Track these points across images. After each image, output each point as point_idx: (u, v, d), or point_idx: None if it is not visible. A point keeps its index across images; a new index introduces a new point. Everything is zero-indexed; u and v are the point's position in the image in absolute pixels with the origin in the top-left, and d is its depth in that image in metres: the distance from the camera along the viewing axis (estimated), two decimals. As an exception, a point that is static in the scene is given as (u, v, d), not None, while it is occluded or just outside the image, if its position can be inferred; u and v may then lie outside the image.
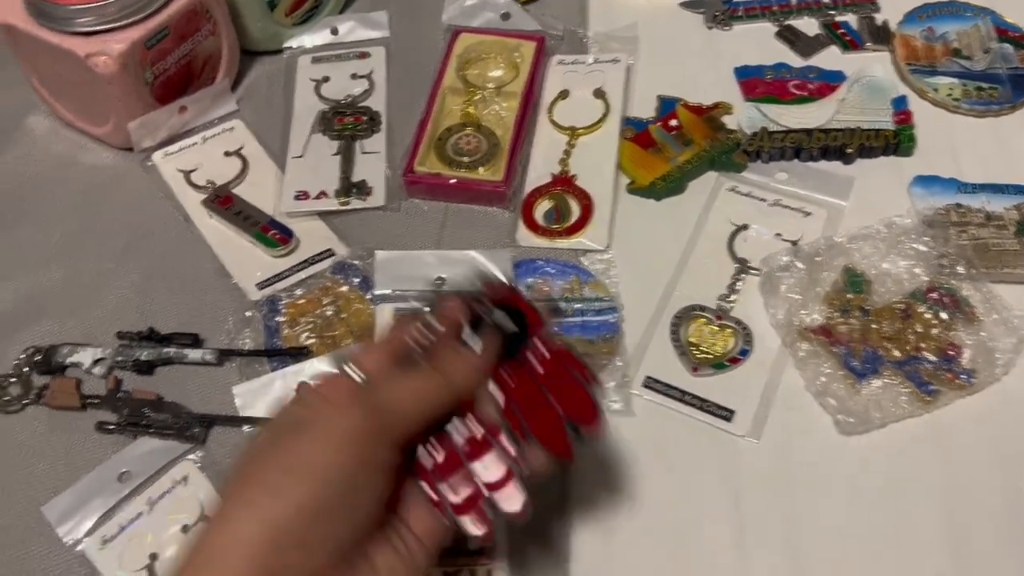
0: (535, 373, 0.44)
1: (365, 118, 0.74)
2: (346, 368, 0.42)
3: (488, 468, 0.43)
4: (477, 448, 0.43)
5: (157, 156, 0.73)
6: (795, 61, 0.77)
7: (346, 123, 0.73)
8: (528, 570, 0.52)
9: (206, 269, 0.66)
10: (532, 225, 0.67)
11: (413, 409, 0.41)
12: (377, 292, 0.62)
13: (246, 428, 0.58)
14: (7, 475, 0.57)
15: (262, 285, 0.64)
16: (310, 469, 0.38)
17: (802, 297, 0.61)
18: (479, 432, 0.43)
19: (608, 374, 0.59)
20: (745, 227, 0.66)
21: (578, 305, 0.62)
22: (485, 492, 0.43)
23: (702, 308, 0.62)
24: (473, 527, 0.42)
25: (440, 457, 0.43)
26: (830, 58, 0.77)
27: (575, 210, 0.67)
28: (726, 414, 0.58)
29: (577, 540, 0.54)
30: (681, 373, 0.60)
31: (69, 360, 0.61)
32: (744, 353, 0.60)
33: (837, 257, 0.63)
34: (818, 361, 0.59)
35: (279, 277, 0.65)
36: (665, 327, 0.62)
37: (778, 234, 0.66)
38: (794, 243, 0.65)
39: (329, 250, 0.66)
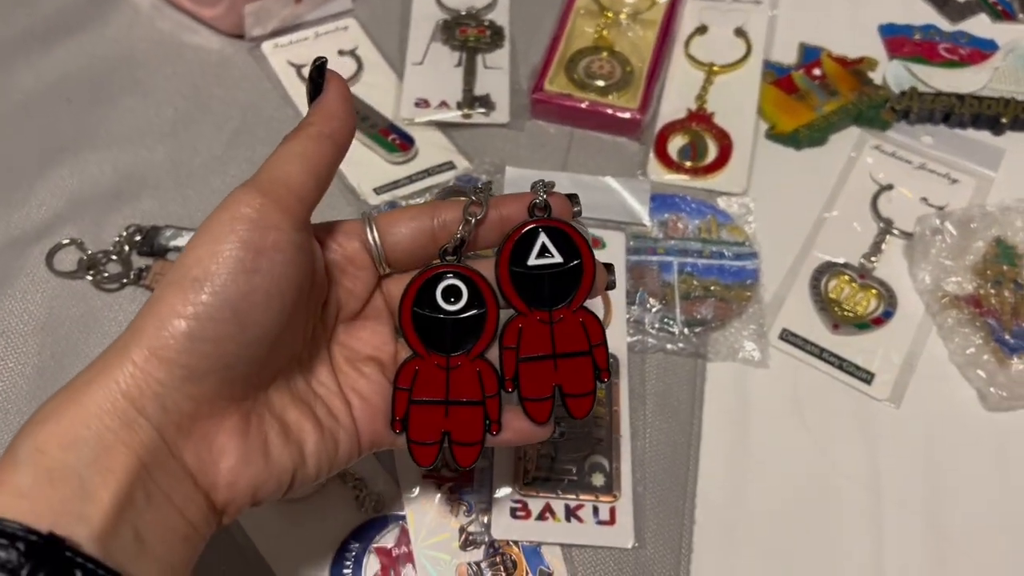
0: (556, 328, 0.39)
1: (489, 31, 0.69)
2: (364, 224, 0.40)
3: (462, 412, 0.39)
4: (463, 387, 0.39)
5: (267, 46, 0.68)
6: (942, 25, 0.73)
7: (469, 35, 0.69)
8: (652, 511, 0.49)
9: (318, 167, 0.62)
10: (665, 160, 0.63)
11: (305, 180, 0.36)
12: None
13: None
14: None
15: (380, 190, 0.60)
16: (205, 277, 0.32)
17: (952, 263, 0.58)
18: (477, 373, 0.40)
19: (744, 322, 0.56)
20: (890, 187, 0.62)
21: (715, 247, 0.58)
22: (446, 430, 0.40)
23: (844, 265, 0.59)
24: (418, 441, 0.40)
25: (422, 374, 0.39)
26: (979, 26, 0.73)
27: (712, 149, 0.63)
28: (866, 376, 0.55)
29: (703, 487, 0.51)
30: (820, 329, 0.56)
31: (172, 244, 0.57)
32: (887, 315, 0.57)
33: (990, 227, 0.59)
34: (967, 331, 0.56)
35: (397, 184, 0.61)
36: (804, 281, 0.58)
37: (924, 198, 0.62)
38: (940, 209, 0.61)
39: (449, 162, 0.62)
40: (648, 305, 0.55)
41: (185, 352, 0.32)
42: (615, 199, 0.59)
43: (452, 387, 0.39)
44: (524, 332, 0.39)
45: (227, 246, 0.33)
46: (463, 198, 0.40)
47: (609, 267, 0.41)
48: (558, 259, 0.39)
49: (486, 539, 0.48)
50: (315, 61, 0.39)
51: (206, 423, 0.34)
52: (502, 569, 0.47)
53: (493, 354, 0.40)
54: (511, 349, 0.39)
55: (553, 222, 0.39)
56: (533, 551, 0.48)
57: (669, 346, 0.54)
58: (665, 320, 0.55)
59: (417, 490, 0.49)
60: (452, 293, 0.39)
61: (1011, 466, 0.52)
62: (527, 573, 0.47)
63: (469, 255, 0.40)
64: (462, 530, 0.48)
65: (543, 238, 0.39)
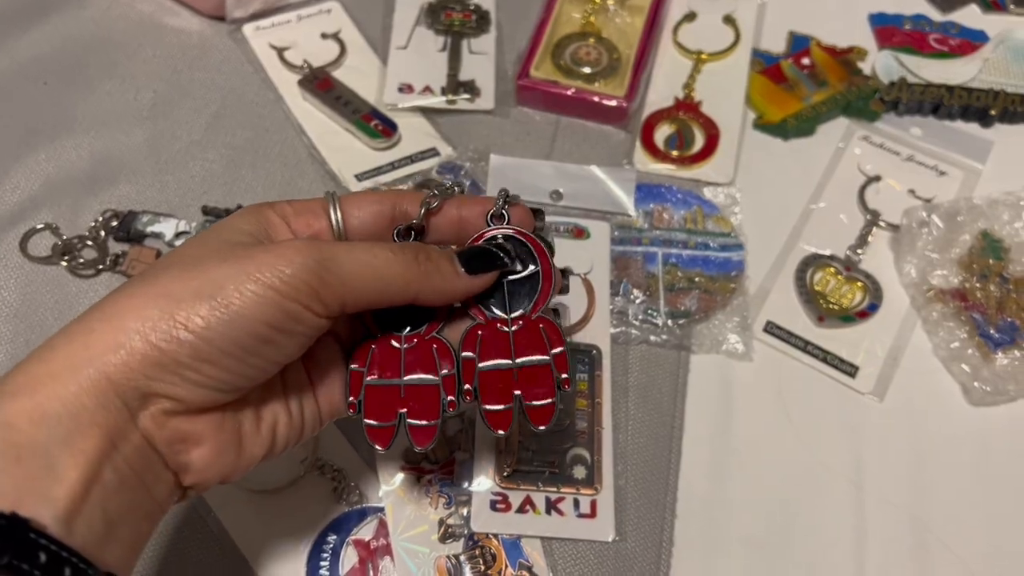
0: (516, 335, 0.39)
1: (474, 16, 0.68)
2: (329, 204, 0.38)
3: (418, 391, 0.38)
4: (418, 358, 0.38)
5: (248, 29, 0.67)
6: (932, 15, 0.72)
7: (454, 19, 0.68)
8: (633, 504, 0.49)
9: (299, 153, 0.61)
10: (651, 149, 0.62)
11: (363, 286, 0.35)
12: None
13: None
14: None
15: (362, 177, 0.59)
16: (223, 302, 0.32)
17: (938, 256, 0.57)
18: (433, 350, 0.39)
19: (728, 314, 0.55)
20: (877, 179, 0.62)
21: (700, 238, 0.57)
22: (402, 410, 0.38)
23: (830, 257, 0.58)
24: (374, 422, 0.38)
25: (378, 353, 0.39)
26: (969, 16, 0.72)
27: (699, 138, 0.63)
28: (850, 369, 0.54)
29: (685, 480, 0.50)
30: (805, 322, 0.56)
31: (149, 229, 0.56)
32: (873, 308, 0.56)
33: (977, 220, 0.59)
34: (951, 325, 0.55)
35: (379, 171, 0.60)
36: (790, 273, 0.58)
37: (911, 190, 0.62)
38: (927, 201, 0.61)
39: (433, 149, 0.61)
40: (632, 296, 0.55)
41: (184, 364, 0.31)
42: (600, 188, 0.59)
43: (407, 366, 0.38)
44: (483, 340, 0.38)
45: (254, 292, 0.32)
46: (426, 190, 0.40)
47: (565, 272, 0.41)
48: (516, 267, 0.39)
49: (465, 532, 0.47)
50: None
51: (182, 419, 0.33)
52: (481, 562, 0.46)
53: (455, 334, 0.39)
54: (470, 358, 0.38)
55: (512, 230, 0.39)
56: (513, 544, 0.47)
57: (652, 338, 0.54)
58: (649, 312, 0.54)
59: (396, 482, 0.49)
60: None
61: (993, 461, 0.51)
62: (506, 566, 0.47)
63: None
64: (441, 523, 0.48)
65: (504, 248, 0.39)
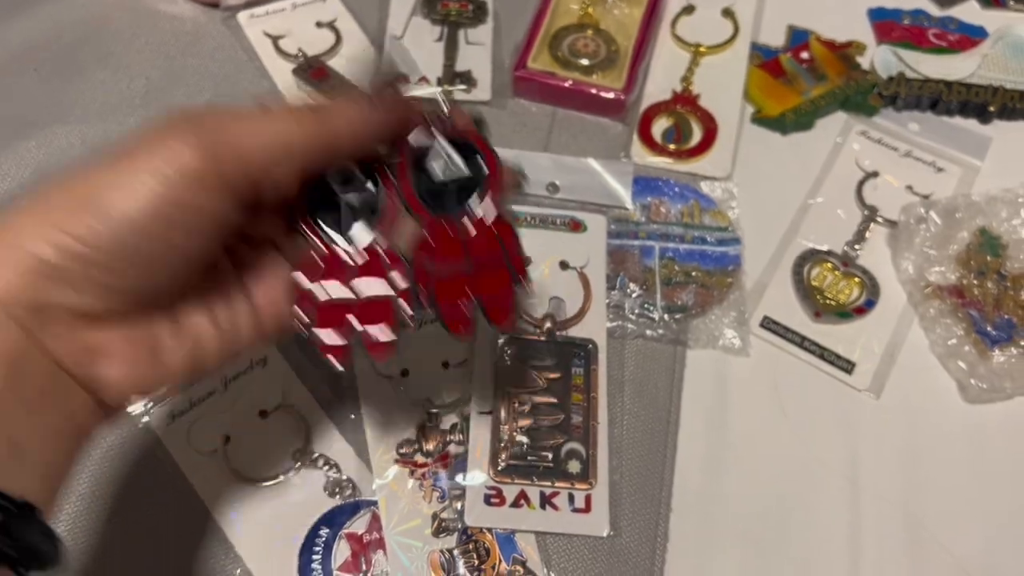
0: (468, 239, 0.37)
1: (471, 6, 0.68)
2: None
3: (371, 292, 0.36)
4: (370, 268, 0.37)
5: (243, 16, 0.67)
6: (931, 10, 0.72)
7: (450, 8, 0.67)
8: (628, 499, 0.49)
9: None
10: (649, 142, 0.62)
11: (263, 155, 0.32)
12: None
13: None
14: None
15: (357, 167, 0.59)
16: (106, 205, 0.30)
17: (936, 253, 0.57)
18: (382, 247, 0.37)
19: (725, 309, 0.55)
20: (875, 174, 0.62)
21: (697, 232, 0.57)
22: (357, 326, 0.36)
23: (828, 253, 0.58)
24: (327, 337, 0.36)
25: (322, 253, 0.37)
26: (969, 12, 0.72)
27: (697, 132, 0.62)
28: (847, 366, 0.54)
29: (680, 475, 0.50)
30: (802, 317, 0.56)
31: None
32: (870, 304, 0.56)
33: (975, 216, 0.58)
34: (948, 322, 0.55)
35: (374, 161, 0.59)
36: (787, 268, 0.57)
37: (909, 186, 0.61)
38: (925, 197, 0.61)
39: (429, 140, 0.61)
40: (628, 290, 0.54)
41: (77, 273, 0.30)
42: (597, 181, 0.58)
43: (359, 278, 0.37)
44: (437, 245, 0.37)
45: (146, 185, 0.30)
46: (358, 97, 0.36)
47: (521, 172, 0.40)
48: (464, 170, 0.38)
49: (459, 526, 0.47)
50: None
51: (85, 331, 0.31)
52: (475, 556, 0.46)
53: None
54: (424, 263, 0.37)
55: (455, 133, 0.38)
56: (507, 539, 0.47)
57: (649, 332, 0.54)
58: (645, 306, 0.54)
59: (390, 475, 0.48)
60: (349, 180, 0.37)
61: (989, 458, 0.51)
62: (500, 561, 0.46)
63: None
64: (435, 517, 0.47)
65: (447, 149, 0.38)
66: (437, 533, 0.47)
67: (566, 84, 0.62)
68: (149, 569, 0.45)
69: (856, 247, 0.58)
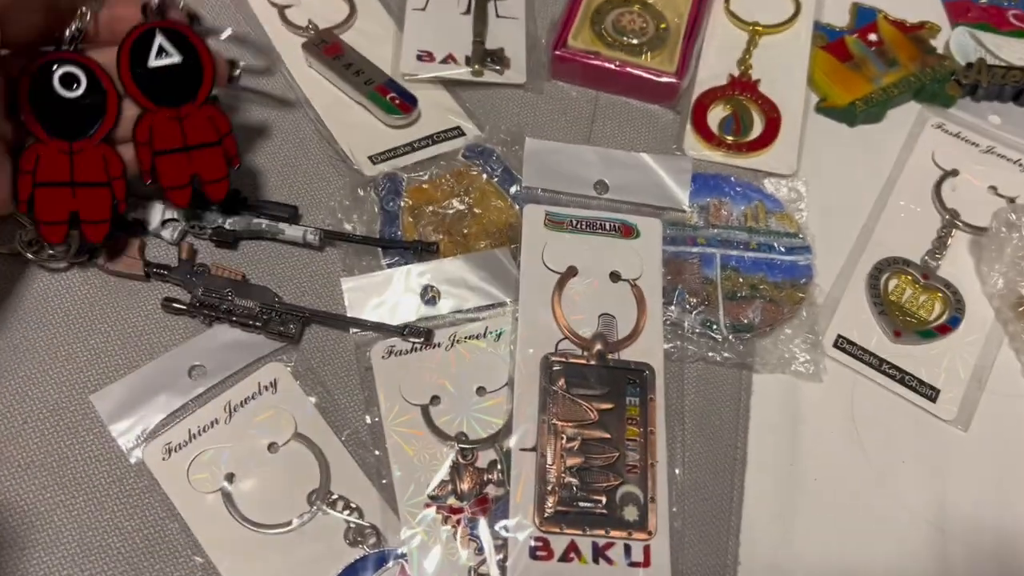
0: (185, 123, 0.43)
1: (502, -26, 0.60)
2: None
3: (89, 193, 0.42)
4: (88, 169, 0.42)
5: (246, -17, 0.59)
6: (1009, -12, 0.65)
7: (479, -23, 0.60)
8: (691, 550, 0.43)
9: (304, 129, 0.53)
10: (704, 133, 0.55)
11: None
12: (525, 185, 0.51)
13: (353, 331, 0.46)
14: (47, 350, 0.45)
15: (377, 159, 0.52)
16: None
17: (1029, 266, 0.51)
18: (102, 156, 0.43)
19: (796, 328, 0.48)
20: (954, 173, 0.55)
21: (763, 239, 0.51)
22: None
23: (906, 263, 0.52)
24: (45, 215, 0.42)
25: (46, 157, 0.42)
26: (1049, -10, 0.65)
27: (758, 122, 0.56)
28: (930, 393, 0.48)
29: (749, 521, 0.44)
30: (879, 336, 0.50)
31: (132, 216, 0.48)
32: (954, 322, 0.50)
33: (1071, 224, 0.52)
34: (1043, 345, 0.49)
35: (396, 153, 0.52)
36: (860, 280, 0.51)
37: (992, 187, 0.55)
38: (1011, 200, 0.54)
39: (457, 128, 0.54)
40: (687, 305, 0.48)
41: None
42: (651, 180, 0.51)
43: (77, 170, 0.42)
44: (155, 128, 0.43)
45: None
46: None
47: (233, 62, 0.45)
48: (177, 59, 0.43)
49: (500, 583, 0.41)
50: None
51: None
52: (519, 619, 0.40)
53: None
54: (144, 144, 0.43)
55: (169, 23, 0.42)
56: (555, 598, 0.41)
57: (711, 354, 0.47)
58: (707, 323, 0.48)
59: (420, 522, 0.42)
60: (71, 80, 0.42)
61: (1092, 501, 0.46)
62: (548, 623, 0.40)
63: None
64: (471, 572, 0.41)
65: (160, 39, 0.42)
66: (476, 590, 0.41)
67: (612, 65, 0.55)
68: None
69: (937, 255, 0.52)
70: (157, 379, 0.44)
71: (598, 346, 0.45)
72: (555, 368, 0.45)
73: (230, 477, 0.42)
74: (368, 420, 0.44)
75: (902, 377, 0.48)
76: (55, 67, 0.41)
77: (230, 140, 0.44)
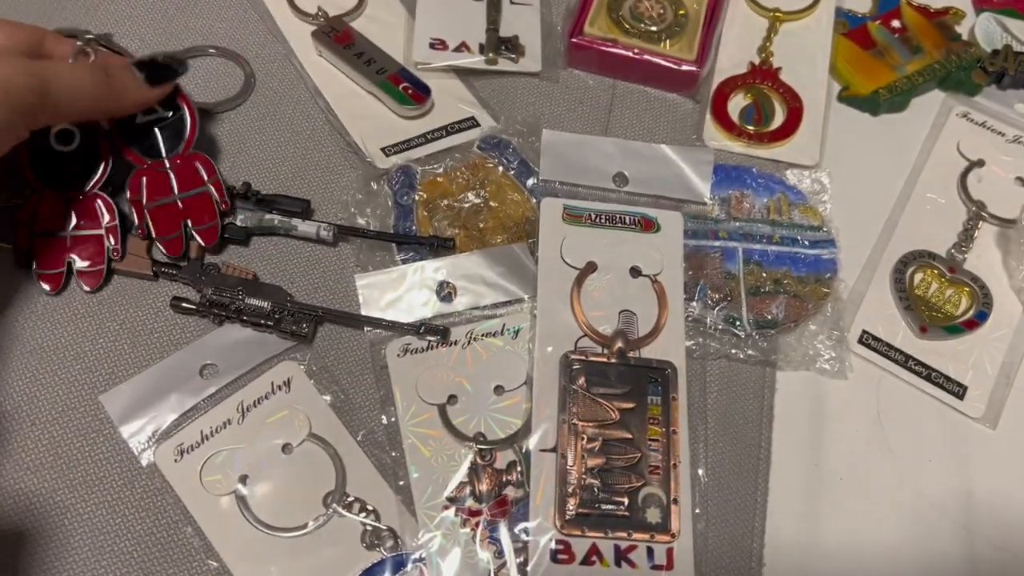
0: (175, 171, 0.46)
1: (515, -41, 0.59)
2: None
3: (84, 240, 0.45)
4: (83, 218, 0.45)
5: (254, -28, 0.57)
6: (1034, -29, 0.63)
7: (492, -38, 0.58)
8: (715, 552, 0.42)
9: (316, 121, 0.52)
10: (725, 123, 0.54)
11: (74, 107, 0.41)
12: (542, 178, 0.49)
13: (367, 330, 0.45)
14: (54, 350, 0.44)
15: (390, 151, 0.51)
16: None
17: (1059, 259, 0.49)
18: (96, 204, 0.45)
19: (820, 324, 0.47)
20: (980, 163, 0.54)
21: (786, 232, 0.49)
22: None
23: (932, 256, 0.50)
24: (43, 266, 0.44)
25: (43, 209, 0.44)
26: (1076, -27, 0.63)
27: (780, 112, 0.54)
28: (957, 390, 0.47)
29: (773, 520, 0.43)
30: (905, 332, 0.48)
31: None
32: (982, 317, 0.49)
33: (1100, 216, 0.51)
34: (1072, 341, 0.48)
35: (409, 144, 0.51)
36: (884, 274, 0.50)
37: (1019, 178, 0.54)
38: (1038, 191, 0.53)
39: (471, 119, 0.53)
40: (709, 301, 0.47)
41: None
42: (672, 172, 0.50)
43: (74, 219, 0.44)
44: (147, 182, 0.45)
45: None
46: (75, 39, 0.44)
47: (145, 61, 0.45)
48: (164, 113, 0.46)
49: (521, 587, 0.40)
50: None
51: None
52: (540, 624, 0.39)
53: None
54: (137, 200, 0.45)
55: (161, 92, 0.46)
56: (577, 602, 0.40)
57: (734, 351, 0.46)
58: (730, 319, 0.46)
59: (439, 525, 0.41)
60: (65, 137, 0.45)
61: (1123, 501, 0.45)
62: (570, 628, 0.39)
63: None
64: (491, 575, 0.40)
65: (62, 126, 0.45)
66: (497, 593, 0.40)
67: (630, 53, 0.54)
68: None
69: (964, 248, 0.51)
70: (168, 379, 0.43)
71: (619, 344, 0.44)
72: (575, 367, 0.44)
73: (244, 479, 0.41)
74: (384, 420, 0.43)
75: (928, 374, 0.47)
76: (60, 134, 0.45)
77: (217, 183, 0.46)
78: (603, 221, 0.47)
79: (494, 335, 0.45)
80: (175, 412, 0.43)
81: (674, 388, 0.44)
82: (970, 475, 0.45)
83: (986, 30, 0.58)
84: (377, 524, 0.41)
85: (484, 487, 0.42)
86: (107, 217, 0.45)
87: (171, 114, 0.46)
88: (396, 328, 0.45)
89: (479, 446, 0.43)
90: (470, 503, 0.42)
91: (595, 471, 0.42)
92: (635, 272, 0.47)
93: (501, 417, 0.44)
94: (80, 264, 0.44)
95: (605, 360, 0.44)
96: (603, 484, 0.42)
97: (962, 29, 0.59)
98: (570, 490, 0.41)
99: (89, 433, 0.42)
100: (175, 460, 0.42)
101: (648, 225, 0.48)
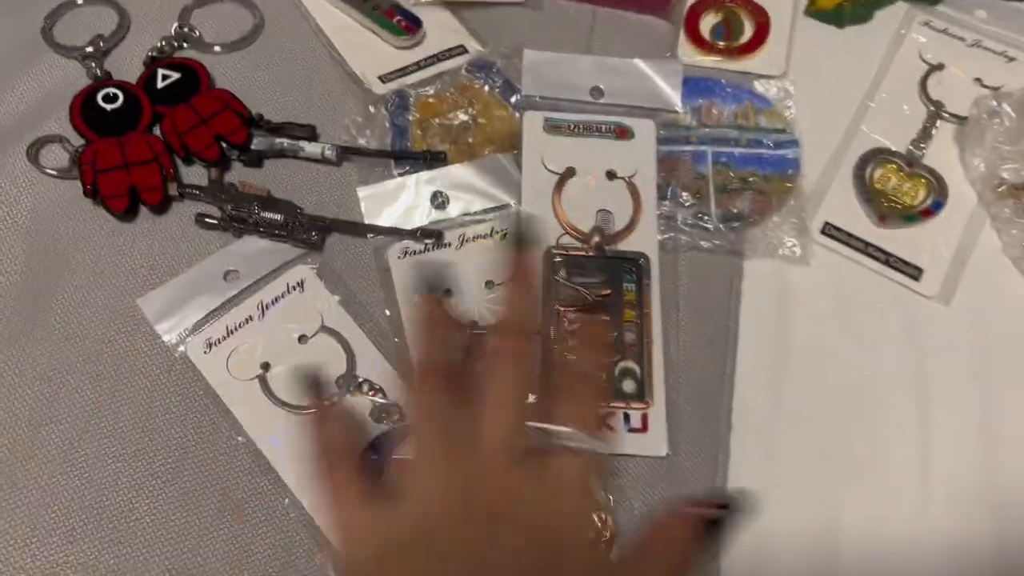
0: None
1: None
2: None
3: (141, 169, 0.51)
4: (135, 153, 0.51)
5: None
6: None
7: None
8: (686, 417, 0.46)
9: (319, 55, 0.57)
10: (697, 40, 0.58)
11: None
12: (524, 94, 0.54)
13: (370, 237, 0.50)
14: (94, 261, 0.49)
15: (386, 79, 0.55)
16: None
17: (1011, 149, 0.53)
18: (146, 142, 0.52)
19: (784, 216, 0.52)
20: (940, 67, 0.57)
21: (752, 135, 0.53)
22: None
23: (891, 152, 0.54)
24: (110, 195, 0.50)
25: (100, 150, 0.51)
26: None
27: (748, 27, 0.58)
28: (914, 272, 0.51)
29: (741, 391, 0.48)
30: (864, 222, 0.53)
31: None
32: (937, 207, 0.53)
33: (1053, 108, 0.54)
34: (1022, 222, 0.51)
35: (404, 72, 0.56)
36: (847, 170, 0.54)
37: (978, 79, 0.57)
38: (995, 89, 0.56)
39: (460, 47, 0.57)
40: (681, 199, 0.51)
41: None
42: (644, 84, 0.54)
43: (128, 153, 0.51)
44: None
45: None
46: None
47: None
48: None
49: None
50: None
51: None
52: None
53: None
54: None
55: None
56: (561, 461, 0.45)
57: (703, 243, 0.51)
58: (699, 215, 0.51)
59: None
60: (110, 97, 0.53)
61: (1068, 365, 0.49)
62: (556, 484, 0.44)
63: None
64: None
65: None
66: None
67: (606, -21, 0.58)
68: (196, 501, 0.44)
69: (921, 146, 0.55)
70: (196, 283, 0.49)
71: (596, 238, 0.49)
72: (556, 259, 0.49)
73: (265, 366, 0.47)
74: (388, 313, 0.48)
75: (887, 259, 0.51)
76: (98, 91, 0.53)
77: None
78: (581, 130, 0.52)
79: (484, 237, 0.50)
80: (203, 311, 0.48)
81: (647, 276, 0.49)
82: (925, 347, 0.49)
83: (948, -58, 0.61)
84: (384, 400, 0.46)
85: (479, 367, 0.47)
86: (156, 149, 0.51)
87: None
88: (395, 234, 0.50)
89: (474, 331, 0.48)
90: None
91: (575, 349, 0.47)
92: (611, 175, 0.51)
93: (492, 307, 0.49)
94: (142, 187, 0.50)
95: (583, 254, 0.49)
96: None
97: (927, -57, 0.62)
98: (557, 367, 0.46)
99: (129, 331, 0.48)
100: (204, 352, 0.47)
101: (623, 133, 0.52)
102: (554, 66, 0.54)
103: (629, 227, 0.50)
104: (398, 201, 0.51)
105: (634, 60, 0.55)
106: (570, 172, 0.51)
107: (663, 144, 0.53)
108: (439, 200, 0.51)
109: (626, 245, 0.50)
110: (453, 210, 0.51)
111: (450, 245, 0.50)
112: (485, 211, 0.51)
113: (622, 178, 0.51)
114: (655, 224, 0.50)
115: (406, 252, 0.50)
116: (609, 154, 0.52)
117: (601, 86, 0.54)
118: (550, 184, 0.50)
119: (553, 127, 0.52)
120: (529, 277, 0.37)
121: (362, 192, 0.51)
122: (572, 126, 0.52)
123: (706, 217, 0.51)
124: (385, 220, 0.51)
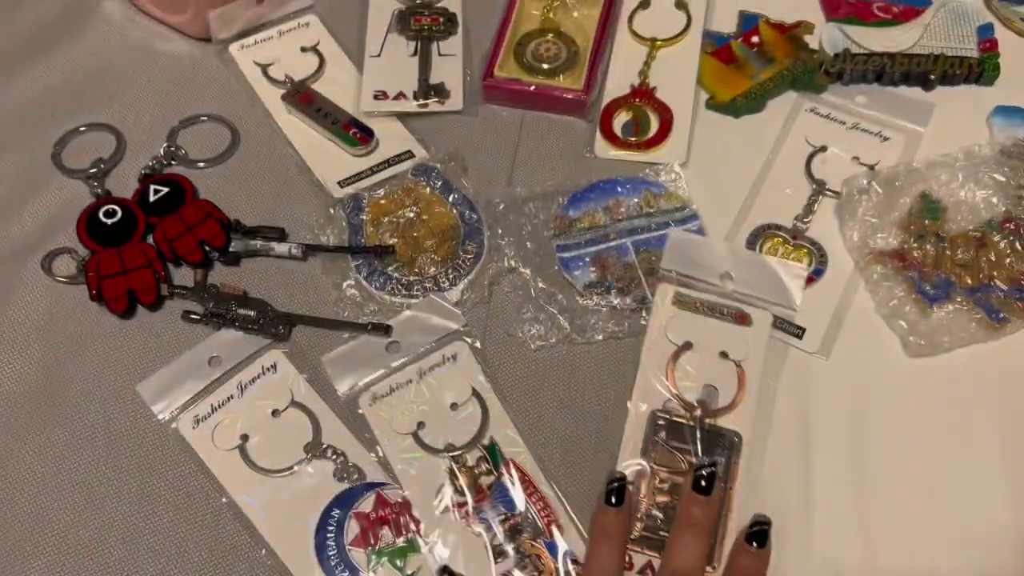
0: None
1: (442, 19, 0.73)
2: None
3: (138, 276, 0.60)
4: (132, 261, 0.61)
5: (234, 48, 0.72)
6: (879, -18, 0.75)
7: (423, 23, 0.72)
8: (579, 457, 0.54)
9: (287, 164, 0.67)
10: (610, 137, 0.67)
11: None
12: (663, 268, 0.59)
13: (341, 394, 0.57)
14: (100, 354, 0.59)
15: (344, 183, 0.65)
16: None
17: (879, 220, 0.62)
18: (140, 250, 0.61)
19: (684, 287, 0.60)
20: (823, 149, 0.66)
21: (659, 219, 0.62)
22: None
23: (778, 227, 0.63)
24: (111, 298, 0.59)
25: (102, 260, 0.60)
26: (915, -19, 0.75)
27: (654, 123, 0.67)
28: (797, 331, 0.59)
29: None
30: (756, 290, 0.61)
31: (156, 247, 0.62)
32: (818, 273, 0.61)
33: (915, 183, 0.63)
34: (891, 284, 0.60)
35: (360, 176, 0.65)
36: (741, 244, 0.62)
37: (855, 157, 0.66)
38: (872, 167, 0.65)
39: (408, 152, 0.67)
40: (618, 290, 0.59)
41: None
42: (769, 278, 0.59)
43: (126, 261, 0.60)
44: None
45: None
46: None
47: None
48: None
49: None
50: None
51: None
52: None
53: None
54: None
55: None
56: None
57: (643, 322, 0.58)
58: (638, 299, 0.59)
59: (439, 524, 0.53)
60: (110, 213, 0.62)
61: (929, 407, 0.56)
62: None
63: None
64: (487, 546, 0.52)
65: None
66: (496, 558, 0.51)
67: (531, 89, 0.68)
68: (183, 549, 0.52)
69: (805, 220, 0.63)
70: (185, 369, 0.58)
71: (698, 411, 0.54)
72: (659, 422, 0.54)
73: (244, 437, 0.56)
74: (374, 456, 0.55)
75: (773, 321, 0.59)
76: (100, 208, 0.63)
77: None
78: (705, 309, 0.57)
79: (438, 366, 0.57)
80: (191, 392, 0.57)
81: (737, 454, 0.53)
82: (806, 395, 0.57)
83: (831, 37, 0.71)
84: (345, 462, 0.55)
85: (463, 482, 0.53)
86: (150, 255, 0.60)
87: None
88: (349, 327, 0.59)
89: (450, 454, 0.54)
90: (456, 499, 0.53)
91: (661, 505, 0.52)
92: (724, 355, 0.56)
93: (461, 427, 0.55)
94: (138, 289, 0.59)
95: (685, 421, 0.54)
96: (665, 517, 0.52)
97: (814, 39, 0.71)
98: (638, 516, 0.52)
99: (131, 412, 0.57)
100: (192, 427, 0.56)
101: (742, 319, 0.57)
102: (694, 248, 0.59)
103: (731, 406, 0.54)
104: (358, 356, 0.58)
105: (764, 255, 0.61)
106: (687, 345, 0.56)
107: (589, 247, 0.61)
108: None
109: (724, 421, 0.54)
110: (408, 350, 0.58)
111: (411, 381, 0.57)
112: (435, 344, 0.58)
113: (733, 360, 0.56)
114: (755, 407, 0.54)
115: (375, 398, 0.56)
116: (726, 336, 0.56)
117: (732, 272, 0.59)
118: (668, 352, 0.56)
119: (681, 301, 0.57)
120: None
121: (326, 358, 0.58)
122: (699, 304, 0.57)
123: (645, 299, 0.58)
124: (350, 379, 0.58)
